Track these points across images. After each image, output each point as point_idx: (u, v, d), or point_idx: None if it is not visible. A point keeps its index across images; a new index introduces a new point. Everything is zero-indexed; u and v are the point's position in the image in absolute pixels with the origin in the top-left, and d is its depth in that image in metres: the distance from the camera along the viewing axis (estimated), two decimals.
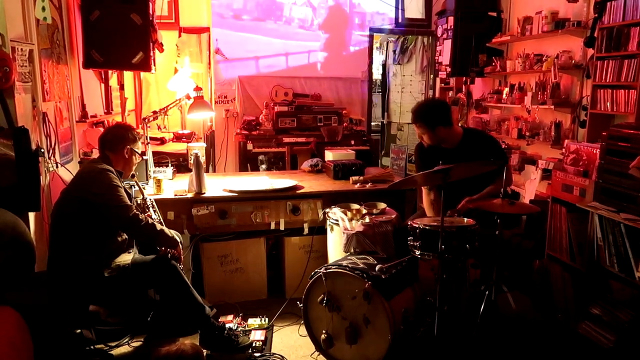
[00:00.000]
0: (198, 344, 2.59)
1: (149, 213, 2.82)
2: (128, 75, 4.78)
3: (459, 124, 4.81)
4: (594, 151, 3.05)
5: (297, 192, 3.40)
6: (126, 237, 2.66)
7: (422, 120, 2.95)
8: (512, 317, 2.96)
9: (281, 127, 5.29)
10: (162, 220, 2.90)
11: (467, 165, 2.61)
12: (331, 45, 5.88)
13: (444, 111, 2.99)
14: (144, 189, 2.94)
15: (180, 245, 2.69)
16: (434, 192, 3.04)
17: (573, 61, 3.77)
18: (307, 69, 5.85)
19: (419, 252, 2.52)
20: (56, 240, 2.50)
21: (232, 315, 3.05)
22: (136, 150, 2.78)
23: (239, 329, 2.89)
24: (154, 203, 2.92)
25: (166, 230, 2.64)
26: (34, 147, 2.50)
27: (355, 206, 3.17)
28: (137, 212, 2.55)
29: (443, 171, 2.42)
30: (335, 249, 3.11)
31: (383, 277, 2.50)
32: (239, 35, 5.58)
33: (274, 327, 3.05)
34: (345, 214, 3.04)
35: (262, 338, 2.84)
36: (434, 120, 2.92)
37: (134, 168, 2.82)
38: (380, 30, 6.04)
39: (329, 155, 4.10)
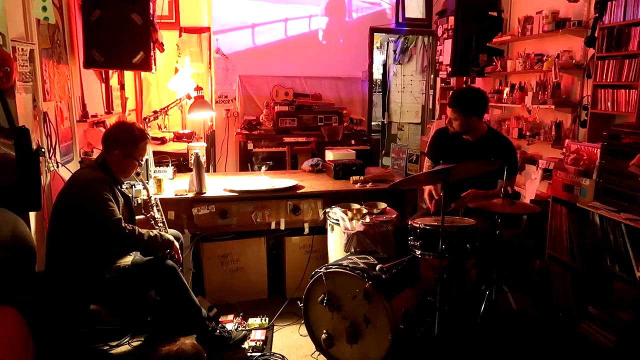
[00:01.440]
0: None
1: (152, 213, 2.81)
2: (129, 75, 4.78)
3: None
4: (595, 151, 3.05)
5: (298, 191, 3.40)
6: None
7: (460, 106, 2.93)
8: (513, 317, 2.96)
9: (282, 127, 5.29)
10: (164, 220, 2.88)
11: (468, 166, 2.61)
12: (332, 10, 5.73)
13: (482, 103, 3.01)
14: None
15: (177, 244, 2.66)
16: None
17: (574, 61, 3.77)
18: (307, 39, 5.69)
19: (419, 252, 2.53)
20: (55, 242, 2.48)
21: (232, 315, 3.05)
22: (131, 155, 2.58)
23: (240, 329, 2.89)
24: (158, 202, 2.91)
25: (157, 235, 2.55)
26: (34, 146, 2.50)
27: (356, 206, 3.17)
28: (122, 226, 2.41)
29: (443, 171, 2.42)
30: (336, 248, 3.11)
31: (383, 276, 2.50)
32: (232, 2, 5.36)
33: (275, 327, 3.05)
34: (346, 214, 3.04)
35: (263, 338, 2.85)
36: (473, 109, 2.93)
37: (132, 173, 2.69)
38: (380, 30, 6.04)
39: (330, 155, 4.10)
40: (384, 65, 7.12)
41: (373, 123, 6.45)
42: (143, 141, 2.64)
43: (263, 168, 3.72)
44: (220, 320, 2.97)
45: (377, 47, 7.06)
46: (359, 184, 3.58)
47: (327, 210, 3.20)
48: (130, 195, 2.82)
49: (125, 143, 2.57)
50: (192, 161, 3.33)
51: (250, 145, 5.14)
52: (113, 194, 2.51)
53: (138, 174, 2.80)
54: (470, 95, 3.01)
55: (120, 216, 2.47)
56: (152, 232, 2.57)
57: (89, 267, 2.45)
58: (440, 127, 3.22)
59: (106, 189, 2.46)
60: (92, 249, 2.47)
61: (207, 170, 4.20)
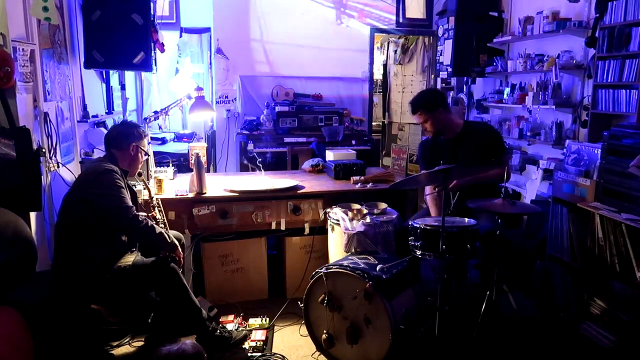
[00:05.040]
0: None
1: (153, 213, 2.81)
2: (129, 75, 4.78)
3: None
4: (595, 151, 3.05)
5: (298, 192, 3.40)
6: None
7: (422, 107, 3.07)
8: (513, 317, 2.96)
9: (282, 127, 5.29)
10: (165, 221, 2.89)
11: (469, 166, 2.62)
12: None
13: (439, 94, 3.20)
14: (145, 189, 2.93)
15: (180, 249, 2.68)
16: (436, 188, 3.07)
17: (574, 61, 3.76)
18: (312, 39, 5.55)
19: (419, 252, 2.52)
20: (61, 240, 2.50)
21: (232, 315, 3.06)
22: (142, 148, 2.75)
23: (240, 329, 2.89)
24: (160, 202, 2.92)
25: (165, 233, 2.61)
26: (35, 147, 2.50)
27: (356, 206, 3.17)
28: (137, 214, 2.52)
29: (444, 171, 2.42)
30: (336, 249, 3.11)
31: (384, 277, 2.50)
32: None
33: (275, 327, 3.05)
34: (346, 214, 3.04)
35: (263, 338, 2.85)
36: (432, 103, 3.05)
37: (140, 166, 2.80)
38: (381, 31, 6.04)
39: (330, 155, 4.10)
40: (385, 66, 7.11)
41: (373, 123, 6.43)
42: (146, 136, 2.82)
43: (259, 168, 3.73)
44: (220, 320, 2.97)
45: (378, 48, 7.05)
46: (359, 184, 3.58)
47: (328, 210, 3.20)
48: (135, 193, 2.84)
49: (137, 137, 2.72)
50: (192, 161, 3.33)
51: (250, 146, 5.14)
52: (125, 185, 2.59)
53: (140, 174, 2.82)
54: (423, 94, 3.22)
55: (133, 205, 2.53)
56: (161, 229, 2.63)
57: (94, 265, 2.46)
58: (422, 139, 3.29)
59: (120, 179, 2.55)
60: (100, 243, 2.49)
61: (208, 171, 4.20)
